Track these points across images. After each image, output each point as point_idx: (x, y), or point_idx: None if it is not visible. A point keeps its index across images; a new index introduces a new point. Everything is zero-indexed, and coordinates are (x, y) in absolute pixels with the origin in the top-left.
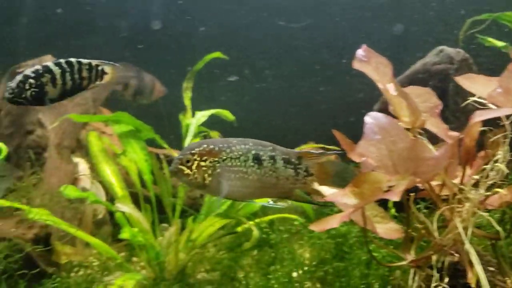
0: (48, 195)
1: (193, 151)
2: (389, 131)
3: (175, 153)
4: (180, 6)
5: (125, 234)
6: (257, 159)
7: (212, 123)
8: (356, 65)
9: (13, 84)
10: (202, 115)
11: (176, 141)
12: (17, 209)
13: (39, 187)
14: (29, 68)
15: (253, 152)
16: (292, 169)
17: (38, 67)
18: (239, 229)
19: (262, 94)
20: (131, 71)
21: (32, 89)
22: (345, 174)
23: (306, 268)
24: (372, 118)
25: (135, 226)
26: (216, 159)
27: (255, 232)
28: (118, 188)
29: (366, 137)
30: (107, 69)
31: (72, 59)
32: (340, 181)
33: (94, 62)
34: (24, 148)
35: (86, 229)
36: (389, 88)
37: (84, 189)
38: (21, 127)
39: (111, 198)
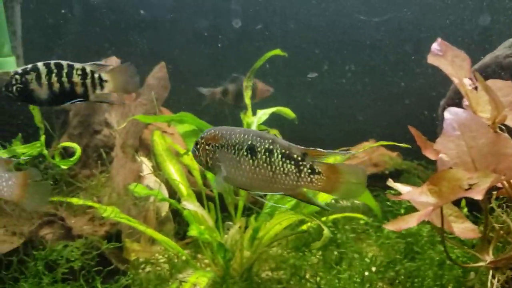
0: (115, 194)
1: (202, 136)
2: (469, 127)
3: None
4: (259, 3)
5: (193, 231)
6: (251, 150)
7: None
8: (431, 59)
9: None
10: (263, 113)
11: None
12: (89, 207)
13: (107, 185)
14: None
15: (249, 142)
16: (293, 165)
17: (28, 65)
18: (304, 227)
19: (338, 90)
20: (131, 73)
21: (18, 85)
22: (357, 177)
23: (375, 268)
24: (451, 114)
25: (200, 224)
26: (216, 144)
27: (326, 231)
28: (183, 187)
29: (445, 133)
30: (105, 76)
31: (63, 62)
32: (351, 183)
33: (88, 68)
34: (92, 147)
35: (150, 226)
36: (466, 82)
37: (148, 188)
38: (89, 127)
39: (175, 196)
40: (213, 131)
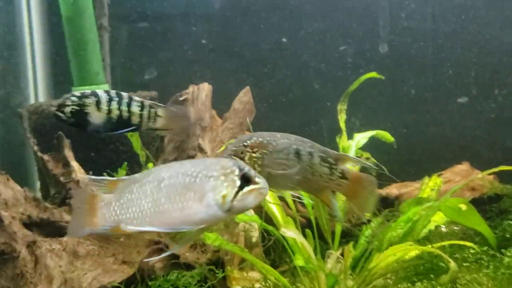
0: None
1: (245, 143)
2: None
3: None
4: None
5: (299, 261)
6: (297, 153)
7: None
8: None
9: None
10: (362, 137)
11: None
12: None
13: None
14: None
15: (294, 146)
16: (327, 167)
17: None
18: (411, 255)
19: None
20: (184, 116)
21: (72, 106)
22: (372, 187)
23: None
24: None
25: (298, 252)
26: (265, 151)
27: (453, 265)
28: (279, 212)
29: None
30: (160, 112)
31: (124, 93)
32: (367, 195)
33: (146, 102)
34: None
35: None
36: None
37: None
38: (183, 152)
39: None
40: (255, 138)
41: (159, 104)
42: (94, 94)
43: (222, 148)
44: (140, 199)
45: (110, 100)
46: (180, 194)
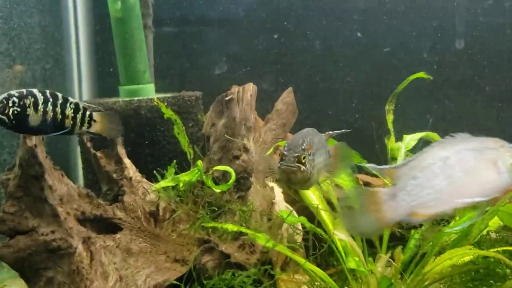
0: (253, 219)
1: (303, 147)
2: None
3: (383, 181)
4: None
5: (351, 263)
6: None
7: None
8: None
9: None
10: (411, 139)
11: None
12: (239, 233)
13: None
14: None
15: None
16: None
17: (22, 90)
18: (466, 259)
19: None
20: (116, 121)
21: (15, 107)
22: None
23: None
24: None
25: (350, 255)
26: (313, 151)
27: None
28: (327, 216)
29: None
30: (96, 116)
31: (59, 94)
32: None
33: (82, 104)
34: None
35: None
36: None
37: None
38: (228, 152)
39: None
40: (302, 139)
41: (96, 107)
42: (31, 94)
43: (270, 151)
44: (430, 179)
45: (45, 100)
46: (474, 166)
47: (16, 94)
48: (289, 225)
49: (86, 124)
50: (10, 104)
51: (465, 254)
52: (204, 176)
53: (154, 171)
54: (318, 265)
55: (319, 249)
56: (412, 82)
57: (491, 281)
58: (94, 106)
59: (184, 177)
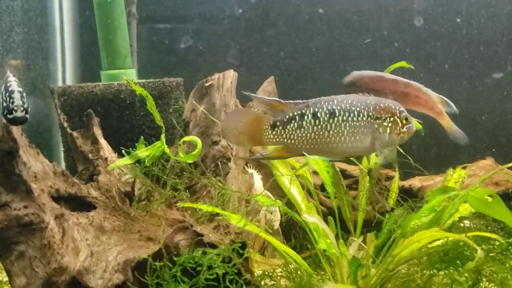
0: (231, 203)
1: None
2: None
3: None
4: None
5: (321, 244)
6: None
7: None
8: None
9: None
10: None
11: None
12: (214, 214)
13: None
14: None
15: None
16: None
17: None
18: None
19: None
20: None
21: None
22: None
23: None
24: None
25: (321, 237)
26: None
27: (480, 252)
28: (301, 199)
29: None
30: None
31: None
32: None
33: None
34: (210, 158)
35: (260, 238)
36: None
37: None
38: (207, 137)
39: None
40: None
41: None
42: None
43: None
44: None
45: None
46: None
47: None
48: (267, 210)
49: None
50: None
51: (432, 237)
52: (167, 149)
53: (122, 149)
54: (293, 248)
55: (295, 234)
56: None
57: (458, 262)
58: None
59: (144, 152)
